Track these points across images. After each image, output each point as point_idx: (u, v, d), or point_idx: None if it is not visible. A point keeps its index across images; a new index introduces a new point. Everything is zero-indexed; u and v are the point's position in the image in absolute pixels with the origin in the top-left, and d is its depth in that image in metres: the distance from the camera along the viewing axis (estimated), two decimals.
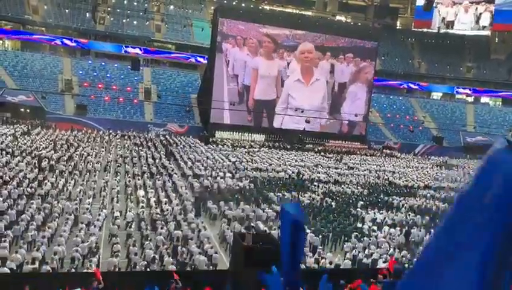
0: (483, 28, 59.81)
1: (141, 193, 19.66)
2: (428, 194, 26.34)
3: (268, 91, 46.47)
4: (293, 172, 28.92)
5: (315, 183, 26.43)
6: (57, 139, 32.49)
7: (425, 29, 63.15)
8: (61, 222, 15.29)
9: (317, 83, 47.99)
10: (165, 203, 18.20)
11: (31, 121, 39.02)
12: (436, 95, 65.90)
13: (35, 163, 23.45)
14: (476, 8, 59.42)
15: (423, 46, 65.69)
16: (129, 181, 21.69)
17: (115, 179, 21.97)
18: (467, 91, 63.67)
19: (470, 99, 64.50)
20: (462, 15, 60.08)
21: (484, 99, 64.95)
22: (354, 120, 48.80)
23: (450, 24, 61.35)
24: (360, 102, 49.83)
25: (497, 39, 65.27)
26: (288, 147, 42.42)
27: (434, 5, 56.42)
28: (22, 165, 22.31)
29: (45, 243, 13.13)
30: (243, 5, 59.67)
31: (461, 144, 53.49)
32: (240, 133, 44.61)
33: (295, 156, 37.25)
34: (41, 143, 30.08)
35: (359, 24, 62.63)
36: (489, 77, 62.68)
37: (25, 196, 17.24)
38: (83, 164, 24.90)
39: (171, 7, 58.62)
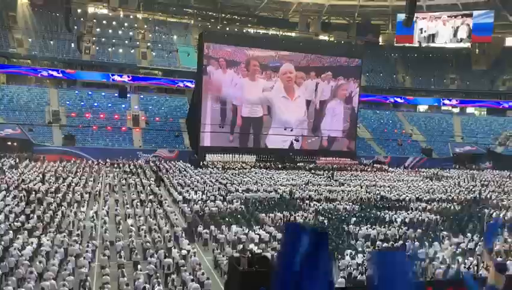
0: (461, 40, 61.12)
1: (130, 221, 19.42)
2: (420, 207, 26.38)
3: (255, 109, 46.74)
4: (284, 191, 28.84)
5: (306, 202, 26.36)
6: (45, 171, 32.15)
7: (407, 44, 64.40)
8: (50, 256, 14.97)
9: (299, 99, 48.45)
10: (155, 231, 17.97)
11: (19, 154, 38.60)
12: (423, 108, 66.85)
13: (22, 197, 23.08)
14: (454, 22, 60.85)
15: (406, 61, 67.00)
16: (117, 210, 21.43)
17: (104, 209, 21.69)
18: (453, 102, 64.70)
19: (456, 110, 65.50)
20: (440, 29, 61.44)
21: (469, 109, 66.07)
22: (333, 135, 49.25)
23: (431, 38, 62.64)
24: (338, 118, 50.06)
25: (477, 50, 66.77)
26: (280, 166, 42.41)
27: (414, 20, 57.64)
28: (8, 200, 21.95)
29: (33, 279, 12.79)
30: (227, 29, 60.58)
31: (450, 154, 53.97)
32: (231, 155, 44.52)
33: (286, 175, 37.20)
34: (29, 176, 29.72)
35: (342, 42, 63.81)
36: (473, 88, 63.90)
37: (11, 231, 16.90)
38: (71, 195, 24.57)
39: (156, 34, 59.19)
